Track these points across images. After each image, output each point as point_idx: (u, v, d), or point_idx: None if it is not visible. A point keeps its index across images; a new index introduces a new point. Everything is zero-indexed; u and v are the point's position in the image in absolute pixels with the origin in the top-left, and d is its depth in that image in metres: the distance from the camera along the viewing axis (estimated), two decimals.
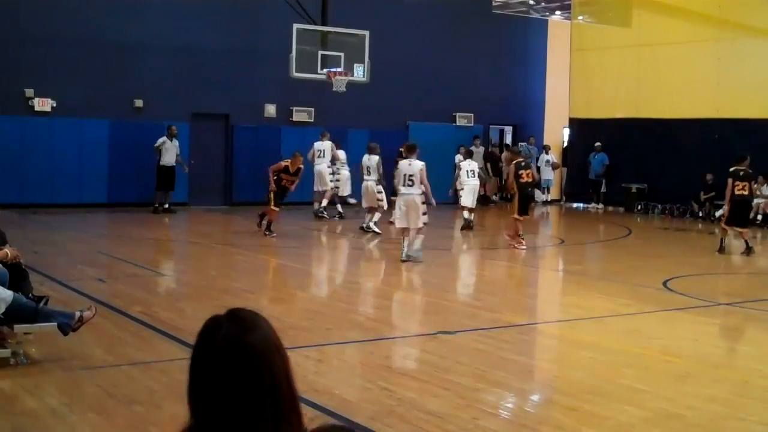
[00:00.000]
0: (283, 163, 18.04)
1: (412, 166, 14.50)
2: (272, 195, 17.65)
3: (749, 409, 7.00)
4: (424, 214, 14.48)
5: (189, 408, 2.08)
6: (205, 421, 2.06)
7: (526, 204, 17.19)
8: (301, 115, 25.40)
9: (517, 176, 16.83)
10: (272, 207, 17.66)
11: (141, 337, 8.89)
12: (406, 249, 14.41)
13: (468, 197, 20.39)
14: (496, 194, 29.06)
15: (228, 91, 24.03)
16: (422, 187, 14.45)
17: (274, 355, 2.09)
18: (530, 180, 17.14)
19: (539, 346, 9.87)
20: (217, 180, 24.42)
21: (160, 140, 22.07)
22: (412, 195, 14.38)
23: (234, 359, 2.05)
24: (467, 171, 20.64)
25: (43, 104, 22.00)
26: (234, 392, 2.04)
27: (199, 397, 2.07)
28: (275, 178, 17.75)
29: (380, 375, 7.58)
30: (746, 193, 16.64)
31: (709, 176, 23.94)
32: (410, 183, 14.40)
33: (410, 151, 14.84)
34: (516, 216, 16.80)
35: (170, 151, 22.22)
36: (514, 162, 17.27)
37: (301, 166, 18.24)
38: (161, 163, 22.15)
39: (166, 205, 22.21)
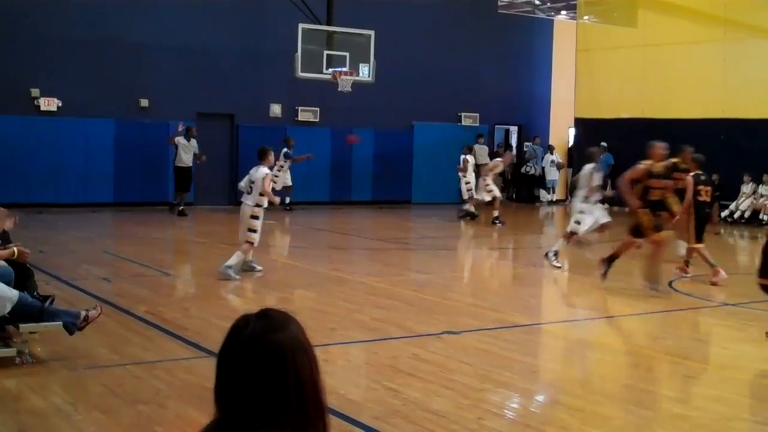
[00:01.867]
0: (644, 166, 13.09)
1: (258, 173, 12.58)
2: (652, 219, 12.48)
3: (754, 409, 7.00)
4: (253, 231, 12.57)
5: (215, 403, 2.12)
6: (229, 417, 2.09)
7: (703, 227, 13.80)
8: (306, 115, 25.42)
9: (696, 193, 13.44)
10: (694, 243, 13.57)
11: (146, 337, 8.90)
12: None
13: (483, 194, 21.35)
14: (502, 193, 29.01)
15: (233, 90, 24.06)
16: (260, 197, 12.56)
17: (300, 355, 2.11)
18: (708, 199, 13.72)
19: (544, 346, 9.86)
20: (223, 180, 24.44)
21: (177, 139, 21.67)
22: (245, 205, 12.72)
23: (258, 356, 2.08)
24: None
25: (48, 104, 22.05)
26: (257, 389, 2.06)
27: (224, 393, 2.12)
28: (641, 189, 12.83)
29: (385, 375, 7.58)
30: (708, 200, 13.82)
31: (714, 176, 23.89)
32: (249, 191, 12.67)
33: (260, 156, 12.81)
34: (695, 244, 13.48)
35: (187, 151, 21.71)
36: (692, 174, 13.66)
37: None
38: (177, 164, 21.75)
39: (180, 207, 21.68)
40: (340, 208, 24.91)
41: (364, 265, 15.52)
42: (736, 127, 23.71)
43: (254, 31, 24.23)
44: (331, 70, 21.01)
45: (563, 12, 30.66)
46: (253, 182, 12.56)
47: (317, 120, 25.50)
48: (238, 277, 12.41)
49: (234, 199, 24.41)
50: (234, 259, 12.49)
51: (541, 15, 30.62)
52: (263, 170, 12.57)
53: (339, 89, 21.10)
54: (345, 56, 21.26)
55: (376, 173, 26.57)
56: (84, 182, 22.50)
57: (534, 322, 10.67)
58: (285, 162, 22.85)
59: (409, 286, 12.77)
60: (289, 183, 23.26)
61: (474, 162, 25.54)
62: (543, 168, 29.48)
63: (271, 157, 13.19)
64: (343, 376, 7.56)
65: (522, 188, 29.98)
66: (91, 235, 17.78)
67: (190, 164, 21.85)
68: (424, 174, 27.06)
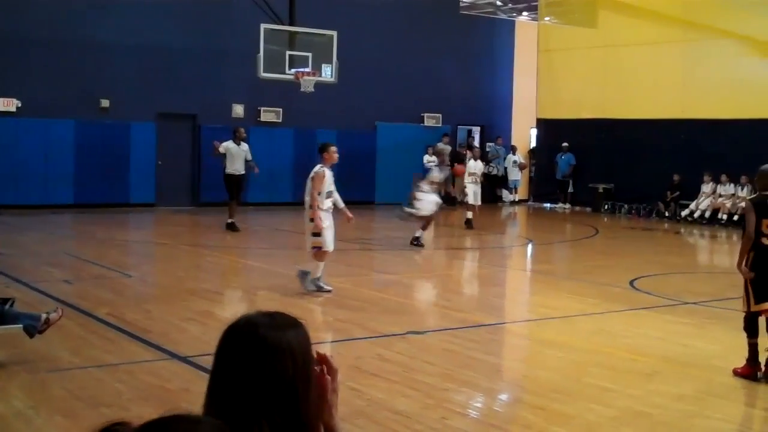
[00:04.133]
0: None
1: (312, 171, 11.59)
2: None
3: (715, 407, 7.08)
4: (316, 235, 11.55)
5: (206, 396, 2.13)
6: (216, 408, 2.09)
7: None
8: (269, 115, 25.35)
9: (759, 230, 7.94)
10: None
11: (108, 339, 8.82)
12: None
13: (475, 197, 21.31)
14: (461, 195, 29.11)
15: (195, 91, 23.92)
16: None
17: (289, 359, 2.11)
18: None
19: (507, 345, 9.92)
20: (185, 180, 24.30)
21: (224, 144, 18.92)
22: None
23: (250, 349, 2.10)
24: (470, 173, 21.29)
25: (7, 104, 21.77)
26: (245, 383, 2.08)
27: (215, 383, 2.13)
28: None
29: (349, 375, 7.58)
30: None
31: (675, 176, 24.20)
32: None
33: (319, 152, 11.80)
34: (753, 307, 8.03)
35: (238, 158, 18.95)
36: (752, 199, 8.27)
37: None
38: (227, 171, 18.97)
39: (230, 220, 18.93)
40: (303, 209, 24.82)
41: (327, 265, 15.47)
42: (695, 127, 23.99)
43: (216, 31, 24.10)
44: (293, 70, 20.96)
45: (524, 13, 30.83)
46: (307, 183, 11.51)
47: (280, 120, 25.43)
48: (330, 287, 11.47)
49: (197, 200, 24.30)
50: (315, 271, 11.50)
51: (503, 16, 30.76)
52: (315, 168, 11.44)
53: (302, 89, 21.06)
54: (307, 56, 21.21)
55: (339, 173, 26.37)
56: (44, 183, 22.26)
57: (497, 321, 10.72)
58: None
59: (373, 287, 12.79)
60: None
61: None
62: (505, 168, 29.64)
63: (331, 154, 11.63)
64: None
65: (484, 188, 30.08)
66: (51, 237, 17.59)
67: (243, 171, 19.14)
68: (388, 174, 27.07)
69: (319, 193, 11.19)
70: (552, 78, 28.60)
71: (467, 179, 21.30)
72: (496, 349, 9.52)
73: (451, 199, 27.91)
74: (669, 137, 24.45)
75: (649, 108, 25.41)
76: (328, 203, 11.38)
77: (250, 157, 19.10)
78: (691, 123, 24.13)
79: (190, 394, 6.93)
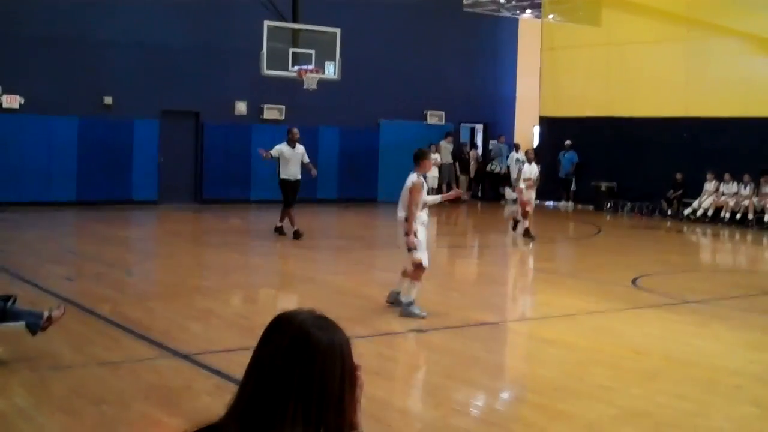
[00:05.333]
0: None
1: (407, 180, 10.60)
2: None
3: (717, 406, 7.07)
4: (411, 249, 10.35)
5: (241, 385, 2.09)
6: (248, 403, 2.06)
7: None
8: (272, 113, 25.35)
9: None
10: None
11: (110, 337, 8.83)
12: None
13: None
14: (466, 192, 29.12)
15: (198, 88, 23.92)
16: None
17: (333, 363, 2.10)
18: None
19: (509, 344, 9.92)
20: (187, 178, 24.32)
21: (277, 148, 17.44)
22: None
23: (293, 348, 2.06)
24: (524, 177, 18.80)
25: (11, 101, 21.78)
26: (283, 381, 2.04)
27: (251, 375, 2.08)
28: None
29: None
30: None
31: (678, 175, 24.18)
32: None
33: (414, 160, 10.93)
34: None
35: (293, 161, 17.37)
36: None
37: None
38: (281, 176, 17.48)
39: (279, 224, 17.58)
40: (305, 207, 24.85)
41: (330, 263, 15.51)
42: (698, 125, 23.96)
43: (219, 28, 24.10)
44: (296, 67, 20.93)
45: (528, 11, 30.79)
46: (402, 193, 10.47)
47: (283, 118, 25.42)
48: (424, 313, 10.03)
49: (199, 197, 24.30)
50: (408, 291, 10.25)
51: (506, 14, 30.74)
52: (411, 177, 10.45)
53: (305, 87, 21.04)
54: (311, 54, 21.19)
55: (342, 171, 26.56)
56: (47, 180, 22.27)
57: (499, 319, 10.72)
58: None
59: (376, 285, 12.77)
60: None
61: (439, 160, 25.86)
62: (508, 166, 29.61)
63: (429, 161, 11.07)
64: None
65: (487, 187, 30.09)
66: (54, 234, 17.60)
67: (299, 176, 17.52)
68: (390, 172, 27.01)
69: (416, 205, 10.20)
70: (555, 76, 28.58)
71: (522, 184, 18.64)
72: (498, 347, 9.52)
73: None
74: (672, 135, 24.43)
75: (653, 106, 25.38)
76: (423, 216, 10.44)
77: (307, 160, 17.50)
78: (695, 121, 24.10)
79: (192, 392, 6.94)
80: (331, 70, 21.39)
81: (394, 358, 8.28)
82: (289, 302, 11.06)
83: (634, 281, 13.30)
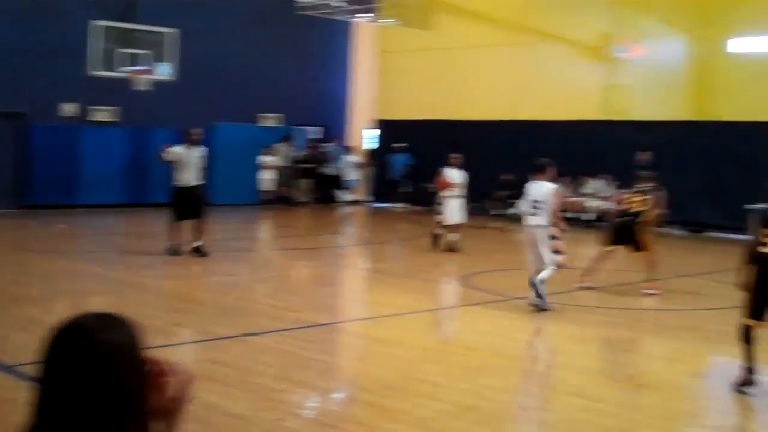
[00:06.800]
0: None
1: (543, 189, 11.41)
2: None
3: (541, 398, 7.36)
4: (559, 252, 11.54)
5: (33, 409, 2.00)
6: (47, 419, 1.99)
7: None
8: (103, 114, 24.60)
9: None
10: None
11: None
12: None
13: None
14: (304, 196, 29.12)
15: (23, 88, 22.94)
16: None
17: (125, 361, 2.04)
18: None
19: (342, 344, 10.01)
20: (9, 182, 23.27)
21: (173, 150, 15.71)
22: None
23: (80, 353, 2.00)
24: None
25: None
26: (76, 389, 1.98)
27: (44, 391, 2.01)
28: None
29: None
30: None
31: (508, 176, 24.95)
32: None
33: (539, 171, 11.60)
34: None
35: (190, 166, 15.51)
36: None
37: None
38: (175, 183, 15.66)
39: (196, 244, 15.28)
40: (136, 211, 24.29)
41: (161, 269, 15.20)
42: (526, 128, 24.83)
43: (48, 26, 23.14)
44: (129, 68, 20.48)
45: (363, 14, 31.11)
46: (538, 201, 11.23)
47: (114, 120, 24.74)
48: (554, 306, 11.12)
49: (23, 202, 23.26)
50: (546, 277, 11.16)
51: (341, 17, 30.95)
52: (549, 186, 11.33)
53: (138, 88, 20.59)
54: (144, 54, 20.79)
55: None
56: None
57: (332, 320, 10.80)
58: None
59: (208, 289, 12.65)
60: None
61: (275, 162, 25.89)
62: (342, 169, 29.81)
63: (552, 170, 11.64)
64: None
65: (321, 189, 30.17)
66: None
67: (196, 182, 15.61)
68: (225, 175, 26.76)
69: (559, 210, 11.38)
70: (390, 79, 29.01)
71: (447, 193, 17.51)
72: (331, 348, 9.59)
73: (285, 199, 27.91)
74: (502, 138, 25.19)
75: (483, 110, 26.13)
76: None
77: (203, 165, 15.72)
78: (523, 124, 24.96)
79: (15, 404, 6.68)
80: (165, 71, 21.05)
81: (226, 362, 8.21)
82: (115, 309, 10.77)
83: (463, 279, 13.66)
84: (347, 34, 31.25)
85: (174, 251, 15.10)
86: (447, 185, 17.10)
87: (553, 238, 11.24)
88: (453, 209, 16.90)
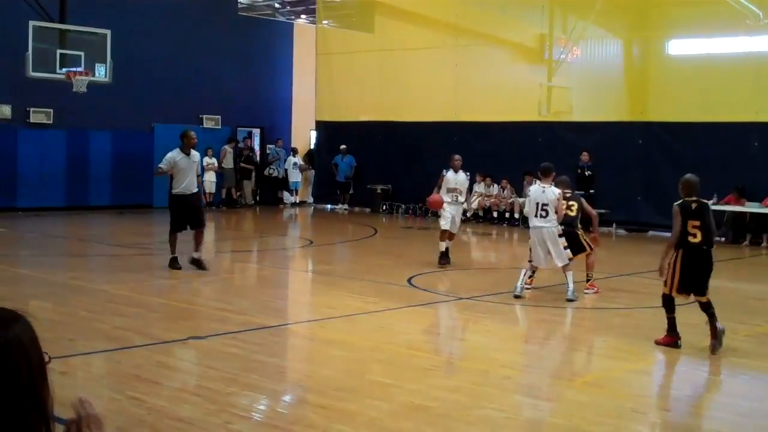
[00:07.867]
0: None
1: (549, 193, 12.33)
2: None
3: (490, 397, 7.40)
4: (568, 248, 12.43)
5: None
6: None
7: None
8: (38, 116, 24.22)
9: (685, 231, 9.60)
10: None
11: None
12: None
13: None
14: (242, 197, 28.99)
15: None
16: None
17: (19, 357, 1.99)
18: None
19: (290, 346, 9.96)
20: None
21: (169, 157, 14.51)
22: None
23: None
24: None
25: None
26: None
27: None
28: None
29: (129, 385, 7.38)
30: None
31: None
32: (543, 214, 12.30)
33: (546, 174, 12.59)
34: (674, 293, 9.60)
35: (188, 171, 14.38)
36: (678, 204, 9.50)
37: None
38: (174, 190, 14.52)
39: (195, 255, 14.42)
40: (77, 214, 23.95)
41: (104, 272, 15.01)
42: (467, 129, 24.99)
43: None
44: (65, 69, 20.17)
45: (303, 16, 31.09)
46: (546, 204, 12.25)
47: (51, 122, 24.36)
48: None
49: None
50: (572, 284, 12.20)
51: (281, 18, 30.88)
52: (555, 190, 12.38)
53: (74, 90, 20.29)
54: (80, 55, 20.49)
55: (116, 176, 25.77)
56: None
57: (280, 323, 10.75)
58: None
59: (153, 293, 12.50)
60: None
61: (216, 165, 25.80)
62: (286, 170, 29.73)
63: (553, 174, 12.69)
64: (84, 388, 7.27)
65: (265, 191, 30.06)
66: None
67: (195, 189, 14.51)
68: (165, 177, 26.52)
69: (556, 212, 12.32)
70: (331, 81, 28.97)
71: (446, 197, 15.72)
72: (279, 350, 9.54)
73: (232, 201, 27.78)
74: (443, 139, 25.32)
75: (425, 111, 26.25)
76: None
77: (199, 171, 14.90)
78: (463, 125, 25.12)
79: None
80: (101, 73, 20.78)
81: (173, 366, 8.13)
82: (58, 314, 10.61)
83: (409, 280, 13.70)
84: (289, 36, 31.19)
85: (176, 264, 14.32)
86: (438, 205, 15.66)
87: (561, 236, 12.27)
88: (447, 216, 15.44)
